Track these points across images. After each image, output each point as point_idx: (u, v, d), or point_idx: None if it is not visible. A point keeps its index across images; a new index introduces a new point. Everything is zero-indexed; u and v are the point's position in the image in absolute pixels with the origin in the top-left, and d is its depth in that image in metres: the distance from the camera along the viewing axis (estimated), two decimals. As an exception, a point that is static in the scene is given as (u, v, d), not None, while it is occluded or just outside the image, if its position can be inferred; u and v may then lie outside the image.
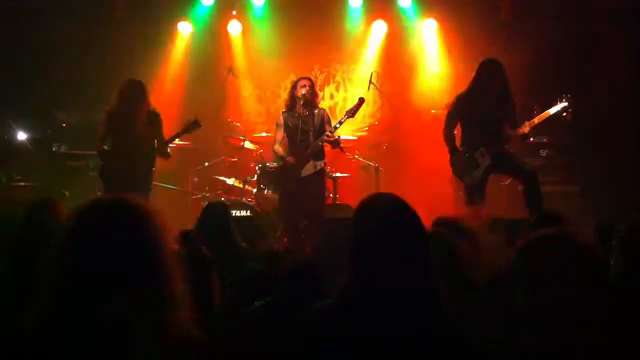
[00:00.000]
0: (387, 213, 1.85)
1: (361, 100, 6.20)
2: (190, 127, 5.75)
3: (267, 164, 6.97)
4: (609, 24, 7.29)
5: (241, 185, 7.27)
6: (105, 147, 5.79)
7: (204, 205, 4.41)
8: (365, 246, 1.82)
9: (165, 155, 5.88)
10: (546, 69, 7.57)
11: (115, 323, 1.41)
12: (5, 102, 7.64)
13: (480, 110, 5.53)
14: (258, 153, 7.49)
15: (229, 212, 4.36)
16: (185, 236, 2.85)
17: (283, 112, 6.33)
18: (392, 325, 1.71)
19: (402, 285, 1.75)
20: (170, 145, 5.89)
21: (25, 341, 1.42)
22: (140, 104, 5.69)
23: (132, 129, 5.65)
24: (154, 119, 5.80)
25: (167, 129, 5.95)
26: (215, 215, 4.19)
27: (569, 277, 1.75)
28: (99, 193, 6.59)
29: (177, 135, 5.84)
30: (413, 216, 1.86)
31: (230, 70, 7.92)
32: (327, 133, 6.00)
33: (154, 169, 5.85)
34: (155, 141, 5.82)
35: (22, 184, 7.07)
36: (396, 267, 1.76)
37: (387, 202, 1.89)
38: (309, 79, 6.30)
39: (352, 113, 6.14)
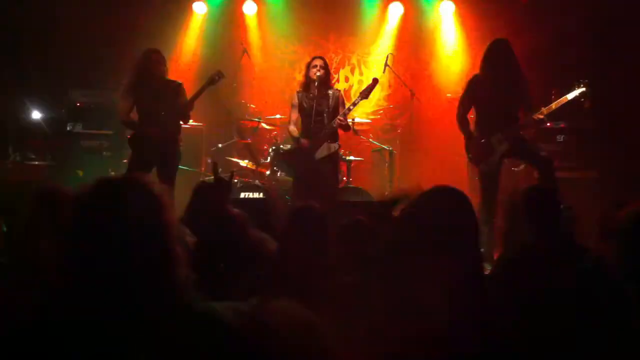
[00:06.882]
0: (450, 210, 1.82)
1: (375, 81, 6.14)
2: (214, 79, 5.71)
3: (281, 146, 6.94)
4: (630, 5, 7.13)
5: (254, 167, 7.25)
6: None
7: (195, 186, 4.20)
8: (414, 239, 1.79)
9: (186, 118, 5.86)
10: (565, 51, 7.45)
11: (123, 305, 1.40)
12: (20, 81, 7.65)
13: (493, 92, 5.42)
14: (272, 135, 7.46)
15: (225, 191, 4.15)
16: None
17: (298, 92, 6.28)
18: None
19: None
20: (188, 115, 5.85)
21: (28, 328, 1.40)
22: (163, 70, 5.72)
23: (159, 95, 5.64)
24: (178, 89, 5.78)
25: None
26: (207, 196, 4.04)
27: None
28: (112, 172, 6.62)
29: (202, 89, 5.73)
30: (472, 213, 1.85)
31: (245, 51, 7.87)
32: (339, 117, 5.95)
33: (180, 136, 5.84)
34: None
35: (36, 163, 7.11)
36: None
37: (452, 197, 1.86)
38: (322, 58, 6.23)
39: (366, 94, 6.09)
